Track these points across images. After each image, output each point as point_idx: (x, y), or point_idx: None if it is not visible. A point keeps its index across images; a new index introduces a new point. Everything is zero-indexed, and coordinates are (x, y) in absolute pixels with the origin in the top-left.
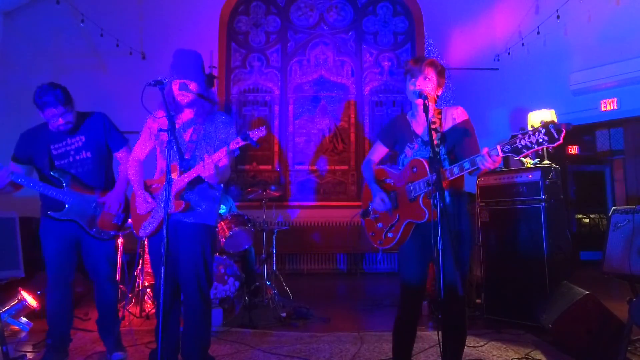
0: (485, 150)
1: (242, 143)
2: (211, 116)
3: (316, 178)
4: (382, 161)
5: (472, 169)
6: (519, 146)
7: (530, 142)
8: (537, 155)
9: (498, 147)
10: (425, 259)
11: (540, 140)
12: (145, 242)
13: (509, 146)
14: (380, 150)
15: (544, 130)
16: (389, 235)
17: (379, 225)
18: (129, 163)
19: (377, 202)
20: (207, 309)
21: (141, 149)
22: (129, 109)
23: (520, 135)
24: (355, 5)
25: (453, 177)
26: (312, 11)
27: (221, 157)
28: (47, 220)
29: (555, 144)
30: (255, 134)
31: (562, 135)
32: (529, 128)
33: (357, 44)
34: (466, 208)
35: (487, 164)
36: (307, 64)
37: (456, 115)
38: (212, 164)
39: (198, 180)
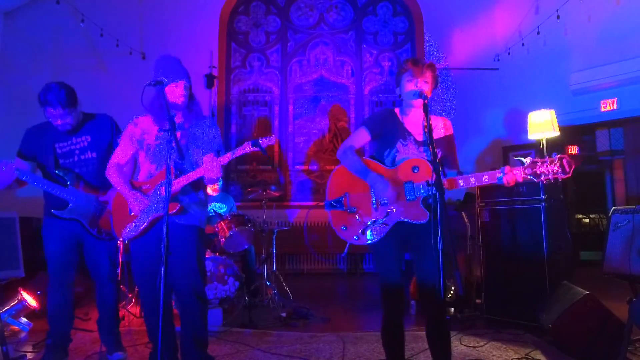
0: (507, 168)
1: (250, 149)
2: (199, 119)
3: (316, 178)
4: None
5: (489, 183)
6: (538, 172)
7: (547, 170)
8: (537, 154)
9: (520, 168)
10: (402, 256)
11: (555, 171)
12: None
13: (530, 169)
14: (363, 138)
15: (558, 163)
16: (374, 231)
17: (358, 219)
18: (108, 169)
19: (383, 188)
20: (203, 308)
21: (121, 154)
22: (129, 109)
23: (539, 163)
24: (355, 5)
25: (467, 186)
26: (312, 11)
27: (228, 159)
28: (50, 219)
29: (566, 177)
30: (265, 142)
31: (572, 169)
32: (545, 143)
33: (357, 44)
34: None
35: (510, 180)
36: (307, 64)
37: (447, 126)
38: (218, 166)
39: (189, 184)
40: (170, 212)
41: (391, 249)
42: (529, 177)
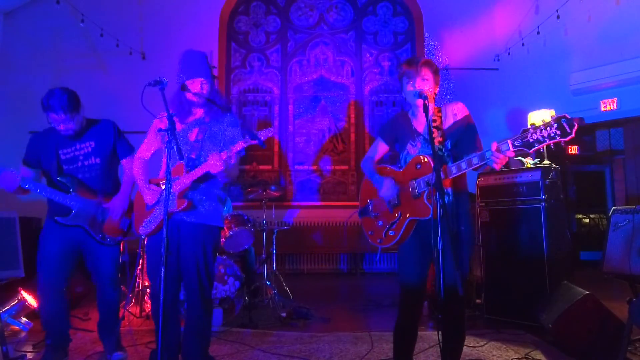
0: (494, 145)
1: (250, 142)
2: (219, 116)
3: (316, 178)
4: (382, 160)
5: (480, 164)
6: (531, 140)
7: (542, 136)
8: (537, 154)
9: (509, 141)
10: (425, 259)
11: (553, 134)
12: (145, 242)
13: (520, 140)
14: (380, 148)
15: (556, 124)
16: (390, 233)
17: (379, 223)
18: (134, 162)
19: (384, 189)
20: (208, 308)
21: (146, 148)
22: (129, 109)
23: (531, 130)
24: (355, 5)
25: (460, 173)
26: (312, 11)
27: (230, 155)
28: (52, 224)
29: (568, 138)
30: (264, 134)
31: (575, 129)
32: (538, 124)
33: (357, 44)
34: (467, 208)
35: (498, 160)
36: (307, 64)
37: (457, 111)
38: (220, 160)
39: (203, 179)
40: (178, 208)
41: (412, 252)
42: (520, 149)
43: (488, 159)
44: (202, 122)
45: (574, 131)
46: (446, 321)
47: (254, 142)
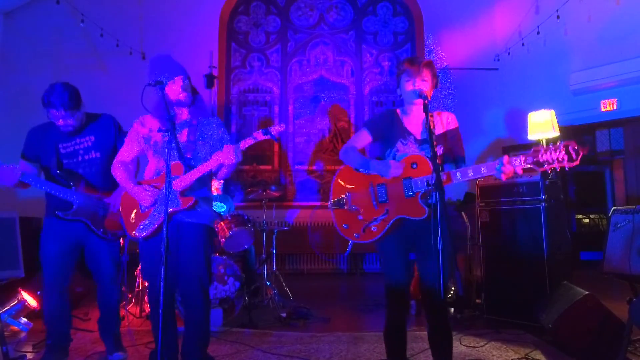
0: (506, 159)
1: (262, 137)
2: (204, 116)
3: (316, 178)
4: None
5: (486, 175)
6: (541, 160)
7: (552, 158)
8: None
9: (521, 157)
10: (407, 257)
11: (561, 158)
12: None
13: (531, 158)
14: (364, 139)
15: (563, 150)
16: (372, 229)
17: (359, 217)
18: (114, 166)
19: (394, 169)
20: (208, 308)
21: (127, 152)
22: (129, 109)
23: (542, 150)
24: (355, 5)
25: (464, 180)
26: (312, 11)
27: (248, 145)
28: (52, 220)
29: (573, 164)
30: (276, 129)
31: (580, 157)
32: (547, 145)
33: (357, 44)
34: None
35: (507, 172)
36: (307, 64)
37: (450, 120)
38: (239, 152)
39: (198, 180)
40: (184, 207)
41: (396, 249)
42: (529, 165)
43: (497, 170)
44: (190, 124)
45: (579, 159)
46: (431, 321)
47: (267, 137)
